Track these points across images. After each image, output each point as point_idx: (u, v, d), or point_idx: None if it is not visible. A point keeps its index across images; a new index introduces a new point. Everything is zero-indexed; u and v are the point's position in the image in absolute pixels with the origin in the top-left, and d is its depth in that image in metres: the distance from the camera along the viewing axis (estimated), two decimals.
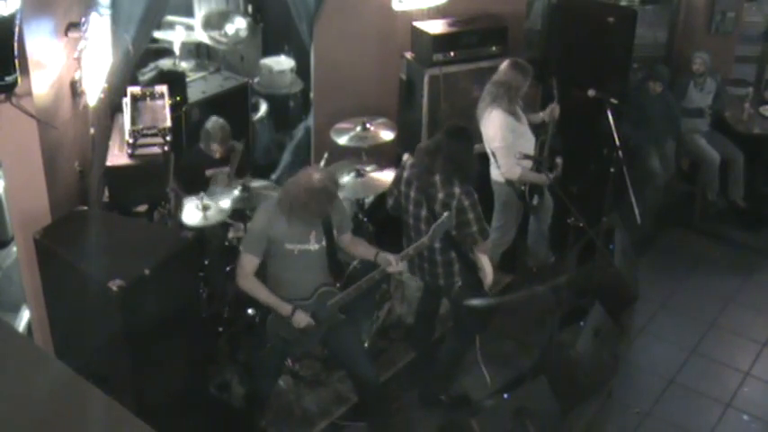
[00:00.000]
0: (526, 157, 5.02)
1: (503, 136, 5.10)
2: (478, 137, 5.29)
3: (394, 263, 4.13)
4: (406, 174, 4.53)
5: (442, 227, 4.18)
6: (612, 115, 5.32)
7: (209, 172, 5.20)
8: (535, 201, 5.39)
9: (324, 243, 4.12)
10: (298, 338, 4.21)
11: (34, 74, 3.62)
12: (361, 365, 4.36)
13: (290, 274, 4.12)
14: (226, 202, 4.86)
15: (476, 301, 4.59)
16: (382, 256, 4.18)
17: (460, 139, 4.41)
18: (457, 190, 4.32)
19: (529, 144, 5.24)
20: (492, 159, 5.25)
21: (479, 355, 4.95)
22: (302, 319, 4.09)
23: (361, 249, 4.35)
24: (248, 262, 4.08)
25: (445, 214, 4.20)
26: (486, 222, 4.48)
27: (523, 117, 5.30)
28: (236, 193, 4.91)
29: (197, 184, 5.03)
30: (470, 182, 4.40)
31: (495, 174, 5.34)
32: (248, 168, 5.54)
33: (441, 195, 4.34)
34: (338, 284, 4.26)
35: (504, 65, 5.24)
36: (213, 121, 5.20)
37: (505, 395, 4.40)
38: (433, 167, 4.38)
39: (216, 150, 5.18)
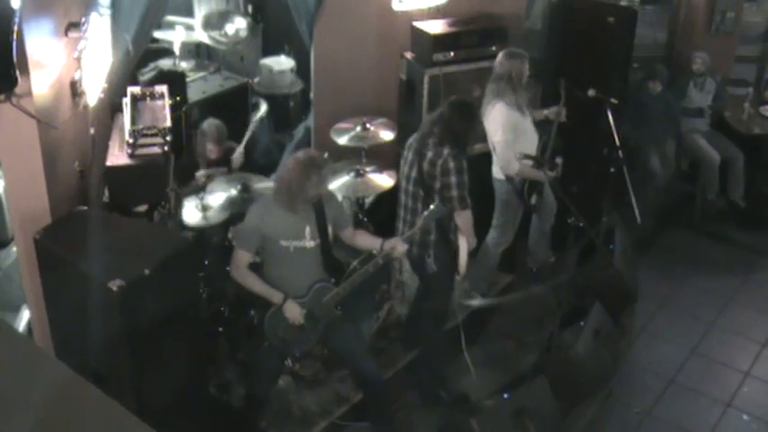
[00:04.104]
0: (527, 157, 5.01)
1: (504, 131, 5.10)
2: (482, 137, 5.29)
3: (398, 245, 4.16)
4: (410, 140, 4.69)
5: (433, 214, 4.19)
6: (612, 115, 5.32)
7: (206, 172, 5.20)
8: (534, 200, 5.38)
9: (319, 240, 4.13)
10: (295, 337, 4.21)
11: (34, 74, 3.62)
12: (362, 362, 4.36)
13: (285, 271, 4.13)
14: (225, 202, 4.86)
15: (476, 301, 4.60)
16: (388, 242, 4.19)
17: (461, 112, 4.54)
18: (446, 151, 4.43)
19: (531, 142, 5.24)
20: (494, 156, 5.25)
21: (464, 346, 4.94)
22: (293, 309, 4.10)
23: (364, 240, 4.35)
24: (241, 257, 4.12)
25: (435, 202, 4.23)
26: (467, 192, 4.48)
27: (528, 113, 5.30)
28: (236, 193, 4.92)
29: (194, 186, 5.04)
30: (463, 153, 4.48)
31: (497, 171, 5.34)
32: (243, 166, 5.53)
33: (430, 154, 4.46)
34: (333, 280, 4.26)
35: (499, 57, 5.26)
36: (209, 123, 5.21)
37: (505, 395, 4.40)
38: (430, 132, 4.53)
39: (212, 151, 5.18)
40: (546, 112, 5.45)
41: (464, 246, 4.54)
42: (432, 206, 4.18)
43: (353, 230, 4.38)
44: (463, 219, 4.51)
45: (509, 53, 5.23)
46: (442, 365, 4.92)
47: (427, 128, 4.59)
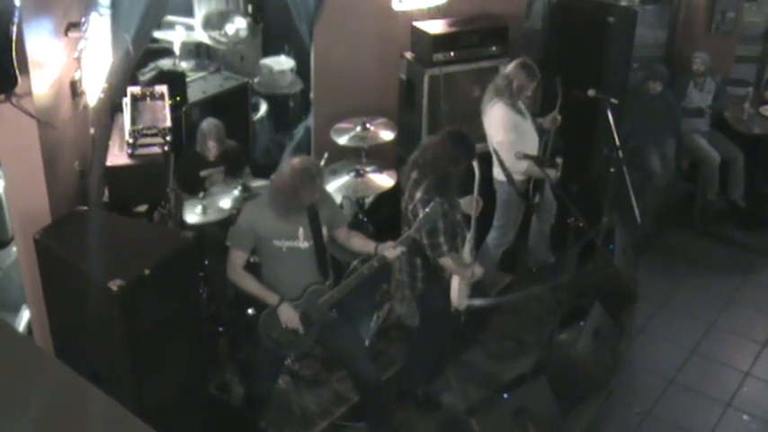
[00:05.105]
0: (527, 157, 5.01)
1: (505, 131, 5.09)
2: (481, 135, 5.28)
3: (392, 248, 4.08)
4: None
5: (428, 218, 4.07)
6: (612, 115, 5.31)
7: (204, 173, 5.21)
8: (537, 199, 5.38)
9: (313, 242, 4.11)
10: (290, 339, 4.20)
11: (34, 74, 3.62)
12: (360, 363, 4.34)
13: (281, 272, 4.12)
14: (225, 202, 4.87)
15: (476, 301, 4.58)
16: (381, 246, 4.14)
17: (453, 144, 4.26)
18: (418, 195, 4.23)
19: (532, 143, 5.23)
20: (494, 157, 5.24)
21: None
22: (287, 312, 4.09)
23: (359, 243, 4.32)
24: (236, 257, 4.11)
25: (431, 204, 4.10)
26: (442, 240, 4.23)
27: (528, 114, 5.29)
28: (236, 192, 4.92)
29: (193, 186, 5.04)
30: (443, 193, 4.23)
31: (497, 172, 5.33)
32: (244, 166, 5.52)
33: (406, 194, 4.34)
34: (328, 283, 4.24)
35: (513, 62, 5.23)
36: (208, 122, 5.21)
37: (505, 395, 4.39)
38: (415, 163, 4.35)
39: (212, 148, 5.18)
40: (540, 120, 5.40)
41: (456, 280, 4.36)
42: (427, 209, 4.13)
43: (348, 231, 4.35)
44: (444, 265, 4.32)
45: (521, 64, 5.15)
46: (424, 368, 4.89)
47: (408, 164, 4.39)
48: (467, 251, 4.42)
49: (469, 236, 4.42)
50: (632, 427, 4.88)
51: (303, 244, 4.09)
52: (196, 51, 6.92)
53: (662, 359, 5.42)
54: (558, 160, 5.31)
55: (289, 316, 4.10)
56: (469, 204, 4.57)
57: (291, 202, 3.98)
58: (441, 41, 5.78)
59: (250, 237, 4.08)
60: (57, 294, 3.91)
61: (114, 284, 3.43)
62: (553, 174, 5.12)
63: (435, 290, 4.45)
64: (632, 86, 6.73)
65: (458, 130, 4.44)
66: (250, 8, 6.99)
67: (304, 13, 5.46)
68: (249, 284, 4.13)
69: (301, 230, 4.08)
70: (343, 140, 5.35)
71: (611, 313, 4.97)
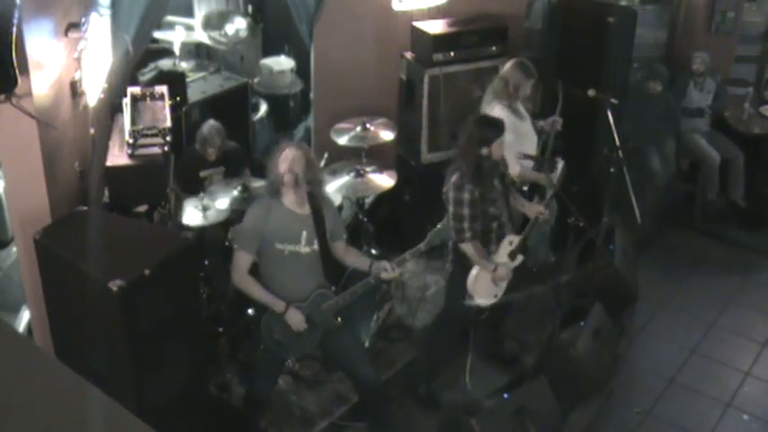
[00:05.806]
0: (527, 157, 5.01)
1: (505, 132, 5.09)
2: None
3: (389, 269, 4.08)
4: None
5: (439, 234, 4.14)
6: (612, 115, 5.31)
7: (203, 173, 5.21)
8: (536, 201, 5.37)
9: (316, 246, 4.08)
10: (292, 341, 4.20)
11: (34, 74, 3.62)
12: (360, 367, 4.33)
13: (282, 276, 4.10)
14: (224, 202, 4.87)
15: (476, 301, 4.58)
16: (376, 266, 4.12)
17: (479, 126, 4.37)
18: (452, 179, 4.32)
19: (531, 144, 5.23)
20: None
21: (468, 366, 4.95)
22: (295, 317, 4.08)
23: (355, 260, 4.31)
24: (242, 259, 4.08)
25: (442, 222, 4.18)
26: (466, 226, 4.30)
27: (527, 116, 5.29)
28: (236, 193, 4.92)
29: (192, 185, 5.04)
30: (475, 180, 4.29)
31: None
32: (244, 167, 5.52)
33: (446, 180, 4.38)
34: (334, 288, 4.23)
35: (509, 62, 5.24)
36: (209, 125, 5.21)
37: (505, 395, 4.40)
38: (456, 155, 4.43)
39: (211, 153, 5.19)
40: (541, 123, 5.39)
41: (476, 268, 4.40)
42: (438, 224, 4.15)
43: (346, 247, 4.31)
44: (464, 251, 4.37)
45: (516, 63, 5.17)
46: (432, 365, 4.90)
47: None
48: (504, 251, 4.45)
49: (513, 237, 4.46)
50: (632, 427, 4.88)
51: (305, 249, 4.07)
52: (196, 51, 6.92)
53: (662, 359, 5.42)
54: (560, 164, 5.30)
55: (297, 320, 4.09)
56: (534, 209, 4.65)
57: (276, 179, 3.97)
58: (441, 41, 5.78)
59: (256, 238, 4.05)
60: (57, 294, 3.91)
61: (114, 284, 3.43)
62: (548, 181, 5.10)
63: (461, 276, 4.47)
64: (632, 86, 6.72)
65: (484, 113, 4.60)
66: (250, 8, 7.00)
67: (304, 14, 5.46)
68: (255, 290, 4.10)
69: (305, 234, 4.05)
70: (343, 140, 5.36)
71: (611, 313, 4.97)
